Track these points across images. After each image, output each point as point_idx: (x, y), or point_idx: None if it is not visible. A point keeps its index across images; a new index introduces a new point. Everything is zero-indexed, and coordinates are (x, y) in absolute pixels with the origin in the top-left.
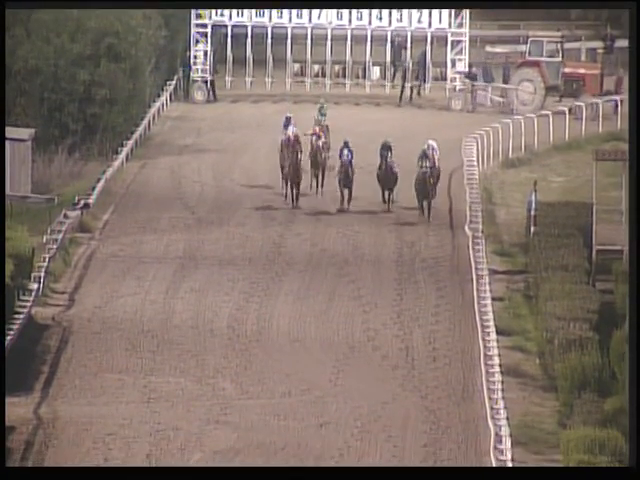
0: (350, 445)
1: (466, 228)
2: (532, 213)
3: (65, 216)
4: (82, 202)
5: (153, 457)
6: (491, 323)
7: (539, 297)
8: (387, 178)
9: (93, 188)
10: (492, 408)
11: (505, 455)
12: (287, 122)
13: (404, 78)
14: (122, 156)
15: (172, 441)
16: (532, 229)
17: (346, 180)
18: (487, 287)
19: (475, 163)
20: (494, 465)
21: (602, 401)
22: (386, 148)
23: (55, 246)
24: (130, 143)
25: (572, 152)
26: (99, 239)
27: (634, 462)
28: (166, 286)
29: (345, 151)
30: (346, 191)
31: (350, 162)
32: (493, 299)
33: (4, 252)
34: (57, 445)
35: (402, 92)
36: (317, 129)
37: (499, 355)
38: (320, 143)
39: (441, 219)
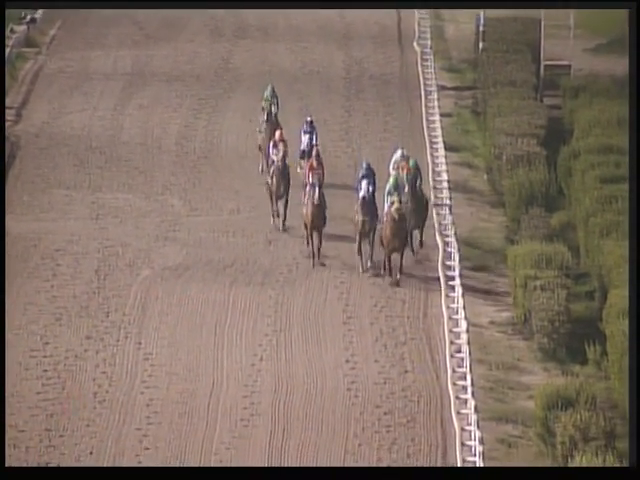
0: (299, 262)
1: (415, 44)
2: (480, 29)
3: (12, 31)
4: (29, 17)
5: (102, 273)
6: (439, 139)
7: (487, 113)
8: (416, 212)
9: None
10: (440, 224)
11: (453, 271)
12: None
13: None
14: None
15: (121, 257)
16: (480, 45)
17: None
18: (435, 103)
19: None
20: (441, 278)
21: (549, 216)
22: (415, 170)
23: None
24: None
25: None
26: (46, 54)
27: (634, 462)
28: (114, 102)
29: (364, 184)
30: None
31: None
32: (441, 115)
33: (4, 249)
34: (5, 261)
35: None
36: (278, 135)
37: (447, 171)
38: (281, 152)
39: (390, 35)
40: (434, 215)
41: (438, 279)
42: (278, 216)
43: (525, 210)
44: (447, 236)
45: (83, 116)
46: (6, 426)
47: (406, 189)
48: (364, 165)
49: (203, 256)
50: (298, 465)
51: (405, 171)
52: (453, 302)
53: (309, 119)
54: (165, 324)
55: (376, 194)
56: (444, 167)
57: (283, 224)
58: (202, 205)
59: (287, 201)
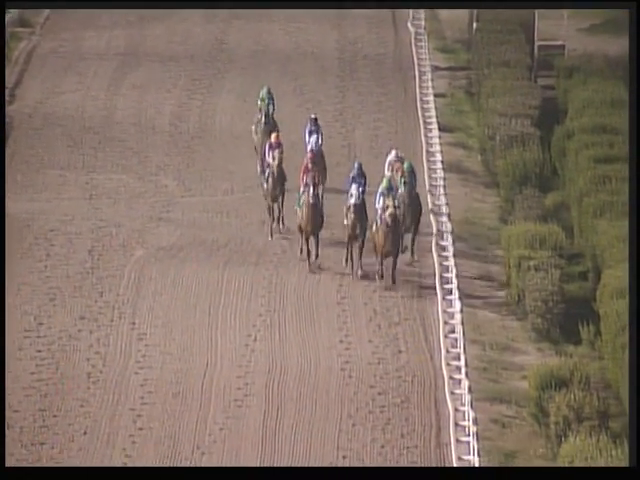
0: (293, 242)
1: (409, 24)
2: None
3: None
4: None
5: (95, 253)
6: (433, 120)
7: (481, 93)
8: (409, 217)
9: None
10: (434, 204)
11: (447, 251)
12: (314, 126)
13: None
14: None
15: (114, 237)
16: (474, 25)
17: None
18: (429, 84)
19: None
20: (435, 259)
21: (543, 196)
22: (410, 173)
23: None
24: None
25: None
26: (40, 34)
27: (634, 462)
28: (107, 83)
29: (354, 188)
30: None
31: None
32: (435, 96)
33: (4, 248)
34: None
35: None
36: (274, 138)
37: (441, 152)
38: (277, 159)
39: (384, 16)
40: (428, 196)
41: (432, 260)
42: (274, 220)
43: (519, 190)
44: (440, 216)
45: (77, 96)
46: (5, 422)
47: (399, 192)
48: (356, 166)
49: (197, 236)
50: (291, 450)
51: (399, 173)
52: (447, 282)
53: (313, 117)
54: (159, 304)
55: (366, 197)
56: (438, 147)
57: (281, 227)
58: (196, 185)
59: (283, 205)
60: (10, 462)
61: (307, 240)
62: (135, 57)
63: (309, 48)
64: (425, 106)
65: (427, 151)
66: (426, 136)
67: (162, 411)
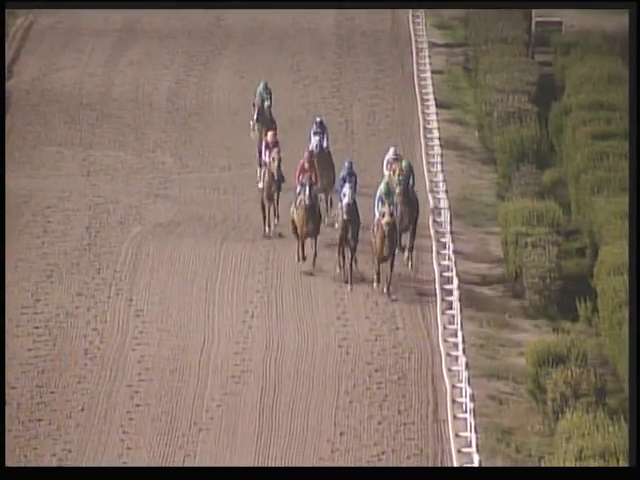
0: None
1: None
2: None
3: None
4: None
5: (93, 229)
6: (431, 96)
7: (478, 70)
8: (407, 215)
9: None
10: (431, 181)
11: (444, 227)
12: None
13: None
14: None
15: (112, 214)
16: None
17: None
18: (427, 60)
19: None
20: (432, 235)
21: (540, 173)
22: (408, 171)
23: None
24: None
25: None
26: (37, 11)
27: (634, 462)
28: (105, 59)
29: (347, 188)
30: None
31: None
32: (433, 72)
33: (4, 252)
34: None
35: None
36: (270, 137)
37: (438, 128)
38: (276, 160)
39: None
40: (425, 172)
41: (429, 236)
42: (269, 224)
43: (516, 167)
44: (437, 193)
45: (74, 73)
46: (5, 422)
47: (397, 191)
48: (346, 165)
49: (194, 213)
50: (289, 427)
51: (397, 172)
52: (444, 259)
53: (319, 120)
54: (156, 281)
55: (360, 199)
56: (435, 124)
57: (273, 229)
58: (193, 162)
59: (277, 206)
60: (8, 439)
61: (303, 243)
62: (132, 34)
63: (306, 24)
64: (422, 83)
65: (424, 127)
66: (423, 113)
67: (159, 388)
